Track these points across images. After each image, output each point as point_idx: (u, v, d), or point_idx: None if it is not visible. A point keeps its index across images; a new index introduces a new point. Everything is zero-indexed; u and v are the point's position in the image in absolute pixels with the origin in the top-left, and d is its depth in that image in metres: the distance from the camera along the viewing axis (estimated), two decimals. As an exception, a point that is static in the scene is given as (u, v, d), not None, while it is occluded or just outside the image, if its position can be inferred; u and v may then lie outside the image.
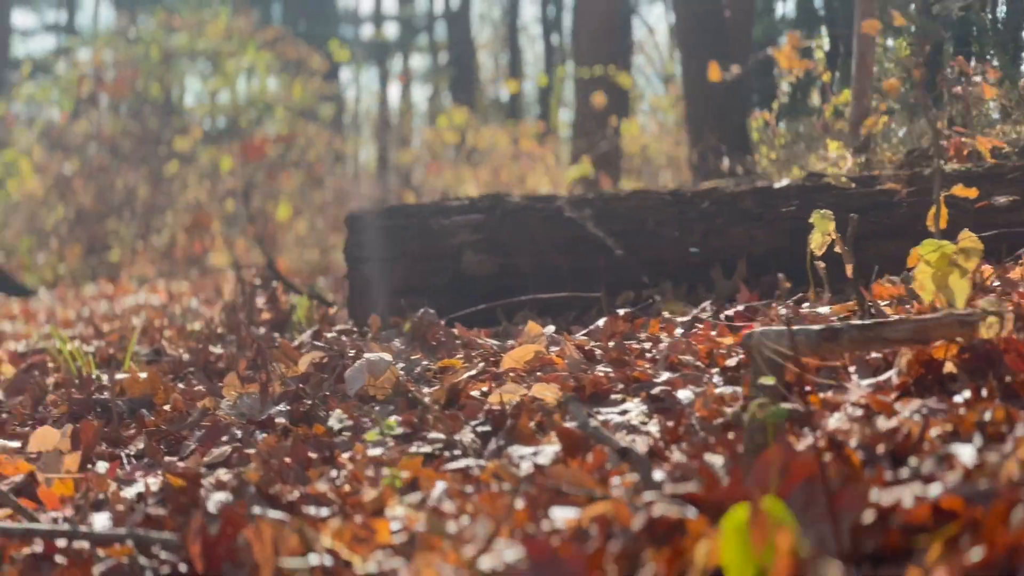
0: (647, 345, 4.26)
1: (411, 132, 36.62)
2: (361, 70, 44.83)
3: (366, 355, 3.91)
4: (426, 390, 3.85)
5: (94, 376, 5.23)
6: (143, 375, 4.81)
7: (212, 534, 2.54)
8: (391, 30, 49.90)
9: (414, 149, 21.61)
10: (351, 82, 45.00)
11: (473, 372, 3.89)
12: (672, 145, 18.17)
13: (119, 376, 5.02)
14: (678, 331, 4.50)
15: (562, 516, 2.40)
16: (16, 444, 3.78)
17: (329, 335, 5.19)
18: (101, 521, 2.97)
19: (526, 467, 2.95)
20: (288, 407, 3.75)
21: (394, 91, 48.77)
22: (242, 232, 17.00)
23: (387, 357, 3.84)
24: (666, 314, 5.00)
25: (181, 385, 4.75)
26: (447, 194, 17.11)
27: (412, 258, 5.70)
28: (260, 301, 7.18)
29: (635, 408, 3.42)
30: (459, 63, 43.57)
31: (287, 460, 3.18)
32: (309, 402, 3.73)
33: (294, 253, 16.05)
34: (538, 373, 3.96)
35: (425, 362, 4.13)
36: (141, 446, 3.70)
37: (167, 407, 4.06)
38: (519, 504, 2.50)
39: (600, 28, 18.04)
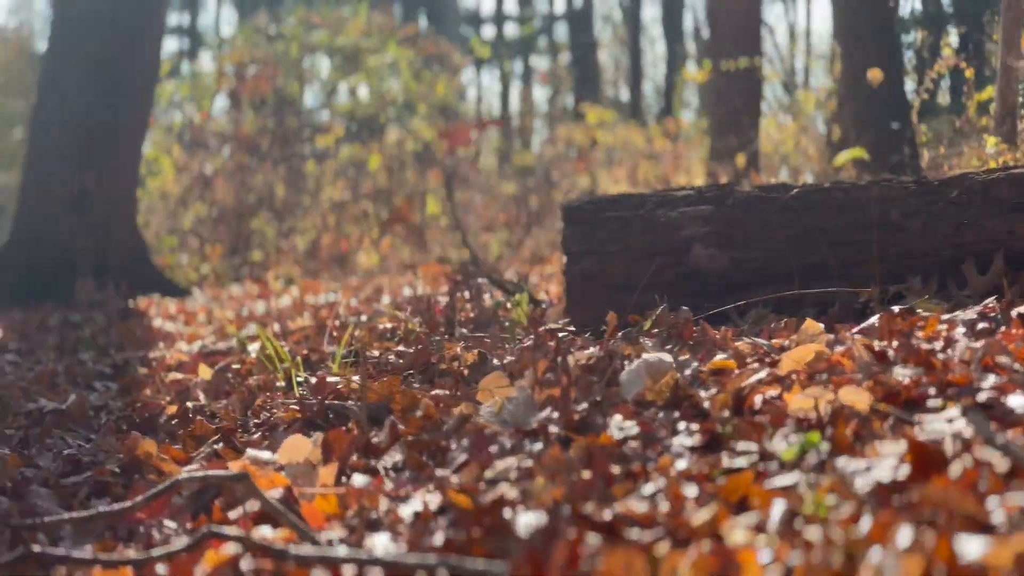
0: (938, 345, 3.82)
1: (532, 132, 36.34)
2: (483, 70, 44.77)
3: (644, 356, 3.51)
4: (704, 394, 3.45)
5: (301, 379, 4.88)
6: (355, 378, 4.46)
7: (552, 564, 2.17)
8: (511, 30, 49.92)
9: (553, 147, 21.15)
10: (471, 82, 44.96)
11: (762, 375, 3.46)
12: (808, 143, 17.64)
13: (331, 379, 4.67)
14: (959, 330, 4.07)
15: (976, 550, 1.98)
16: (267, 455, 3.39)
17: (561, 335, 4.80)
18: (382, 543, 2.60)
19: (861, 484, 2.54)
20: (557, 414, 3.34)
21: (514, 92, 48.69)
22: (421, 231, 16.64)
23: (666, 358, 3.44)
24: (921, 311, 4.57)
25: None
26: (593, 191, 16.71)
27: (634, 252, 5.28)
28: (439, 299, 6.84)
29: (960, 416, 3.00)
30: (581, 63, 43.40)
31: (586, 475, 2.78)
32: (581, 408, 3.33)
33: (440, 252, 15.63)
34: (824, 375, 3.54)
35: (695, 363, 3.71)
36: (398, 457, 3.30)
37: (418, 413, 3.65)
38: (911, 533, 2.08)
39: (738, 26, 17.71)
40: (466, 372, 4.31)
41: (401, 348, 5.59)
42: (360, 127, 19.51)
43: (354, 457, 3.36)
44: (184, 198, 17.73)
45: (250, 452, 3.43)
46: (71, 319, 9.71)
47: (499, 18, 50.03)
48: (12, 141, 51.63)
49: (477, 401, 3.61)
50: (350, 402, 4.03)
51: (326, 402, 4.06)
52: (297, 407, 4.15)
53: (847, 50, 13.97)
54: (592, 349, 4.16)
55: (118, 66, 12.31)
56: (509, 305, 6.28)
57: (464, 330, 5.72)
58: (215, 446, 3.73)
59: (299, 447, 3.30)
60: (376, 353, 5.65)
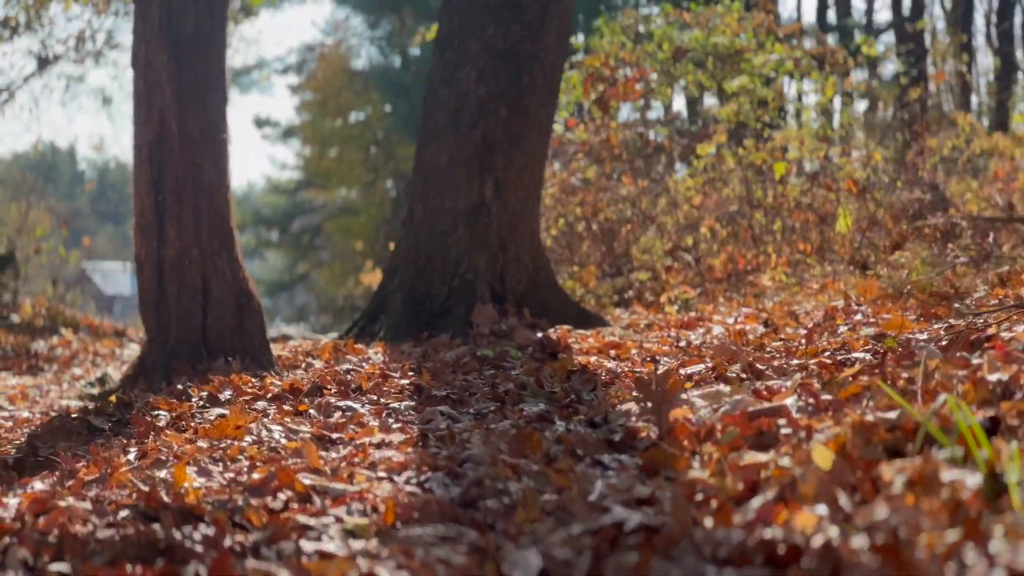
0: None
1: (853, 146, 34.29)
2: (801, 79, 42.89)
3: None
4: None
5: (1016, 477, 3.08)
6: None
7: None
8: (831, 41, 48.52)
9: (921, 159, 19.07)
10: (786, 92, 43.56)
11: None
12: None
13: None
14: None
15: None
16: None
17: None
18: None
19: None
20: None
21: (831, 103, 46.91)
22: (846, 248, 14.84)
23: None
24: None
25: None
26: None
27: None
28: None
29: None
30: (907, 75, 41.28)
31: None
32: None
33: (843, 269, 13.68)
34: None
35: None
36: None
37: None
38: None
39: None
40: None
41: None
42: (730, 134, 17.77)
43: None
44: (546, 213, 16.28)
45: None
46: (481, 354, 8.17)
47: (822, 28, 48.64)
48: (329, 160, 51.62)
49: None
50: None
51: None
52: None
53: None
54: None
55: (520, 56, 10.70)
56: None
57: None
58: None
59: None
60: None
